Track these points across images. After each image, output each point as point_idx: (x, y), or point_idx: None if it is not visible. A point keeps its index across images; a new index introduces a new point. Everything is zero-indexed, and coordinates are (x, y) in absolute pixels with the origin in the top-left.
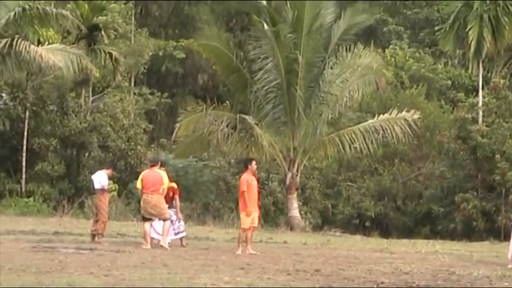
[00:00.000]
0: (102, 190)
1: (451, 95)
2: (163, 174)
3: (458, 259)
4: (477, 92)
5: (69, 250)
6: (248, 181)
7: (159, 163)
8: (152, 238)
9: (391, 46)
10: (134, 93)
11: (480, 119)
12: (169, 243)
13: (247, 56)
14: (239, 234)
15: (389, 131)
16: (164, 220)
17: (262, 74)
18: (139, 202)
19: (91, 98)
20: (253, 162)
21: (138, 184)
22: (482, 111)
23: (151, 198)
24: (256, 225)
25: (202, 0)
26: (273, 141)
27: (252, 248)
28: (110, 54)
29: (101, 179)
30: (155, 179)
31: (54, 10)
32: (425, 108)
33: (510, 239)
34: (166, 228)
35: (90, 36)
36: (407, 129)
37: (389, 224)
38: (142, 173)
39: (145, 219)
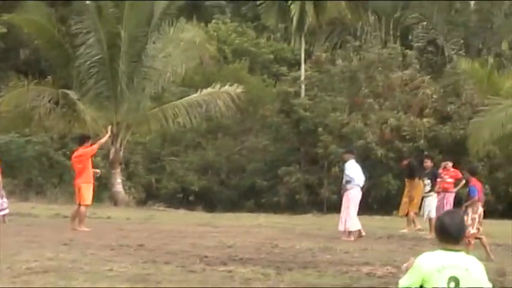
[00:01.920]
0: None
1: (273, 68)
2: None
3: (282, 232)
4: (299, 65)
5: None
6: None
7: None
8: None
9: (213, 21)
10: None
11: (303, 93)
12: None
13: (70, 30)
14: (81, 211)
15: (212, 105)
16: None
17: (85, 48)
18: None
19: None
20: (90, 140)
21: None
22: (305, 85)
23: None
24: None
25: None
26: (96, 116)
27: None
28: None
29: None
30: None
31: None
32: (248, 82)
33: (343, 211)
34: None
35: None
36: (231, 103)
37: (213, 198)
38: None
39: None
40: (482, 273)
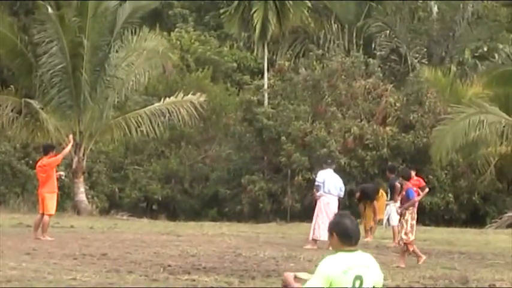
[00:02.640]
0: None
1: (236, 77)
2: None
3: (245, 241)
4: (262, 74)
5: None
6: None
7: None
8: None
9: (176, 29)
10: None
11: (266, 101)
12: None
13: (32, 39)
14: (45, 221)
15: (175, 114)
16: None
17: (47, 57)
18: None
19: None
20: (54, 149)
21: None
22: (268, 94)
23: None
24: None
25: None
26: (59, 126)
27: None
28: None
29: None
30: None
31: None
32: (211, 91)
33: (314, 219)
34: None
35: None
36: (194, 112)
37: (176, 207)
38: None
39: None
40: (379, 269)
